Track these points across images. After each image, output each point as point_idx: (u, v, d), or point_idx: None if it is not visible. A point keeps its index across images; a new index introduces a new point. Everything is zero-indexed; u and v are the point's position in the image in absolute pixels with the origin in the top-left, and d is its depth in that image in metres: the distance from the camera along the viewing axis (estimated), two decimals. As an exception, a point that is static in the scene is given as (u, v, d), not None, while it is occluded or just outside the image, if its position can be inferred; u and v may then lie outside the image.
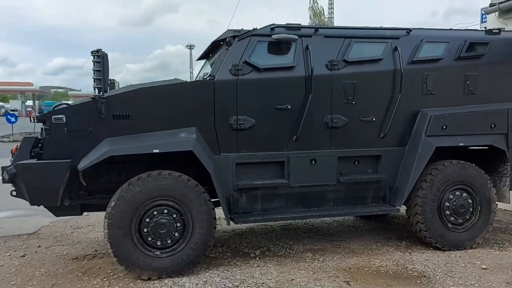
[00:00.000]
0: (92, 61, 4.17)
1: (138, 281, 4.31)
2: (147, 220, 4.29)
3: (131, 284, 4.25)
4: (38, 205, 4.53)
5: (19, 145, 4.59)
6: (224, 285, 4.20)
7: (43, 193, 4.28)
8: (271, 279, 4.35)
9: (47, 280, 4.46)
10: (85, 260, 5.07)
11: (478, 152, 5.67)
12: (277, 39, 4.71)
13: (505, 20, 7.62)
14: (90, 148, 4.38)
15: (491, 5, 7.81)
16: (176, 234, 4.37)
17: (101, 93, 4.20)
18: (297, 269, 4.63)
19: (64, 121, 4.30)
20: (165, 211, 4.34)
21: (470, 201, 5.30)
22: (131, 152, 4.31)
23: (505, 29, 5.78)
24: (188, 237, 4.39)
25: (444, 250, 5.18)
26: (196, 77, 6.28)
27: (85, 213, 7.33)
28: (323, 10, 36.51)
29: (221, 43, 4.96)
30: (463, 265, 4.75)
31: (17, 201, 4.69)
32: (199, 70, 6.56)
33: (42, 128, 4.55)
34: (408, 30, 5.35)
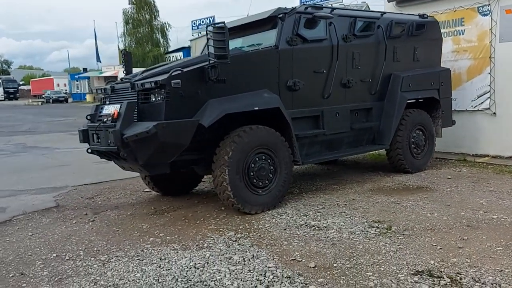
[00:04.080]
0: (212, 31, 4.75)
1: (249, 215, 5.20)
2: (252, 165, 5.20)
3: (247, 218, 5.13)
4: (151, 164, 4.95)
5: (120, 110, 4.85)
6: (313, 208, 5.44)
7: (169, 151, 4.80)
8: (338, 202, 5.73)
9: (166, 228, 4.94)
10: (167, 213, 5.55)
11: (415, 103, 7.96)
12: (320, 17, 5.95)
13: (400, 7, 10.15)
14: (197, 109, 4.98)
15: (393, -6, 10.31)
16: (271, 175, 5.39)
17: (226, 60, 4.82)
18: (345, 194, 6.11)
19: (181, 85, 4.79)
20: (263, 157, 5.30)
21: (423, 136, 7.55)
22: (240, 110, 5.11)
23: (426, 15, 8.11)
24: (278, 177, 5.45)
25: (412, 173, 7.32)
26: (202, 52, 6.99)
27: (74, 185, 7.38)
28: None
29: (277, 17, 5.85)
30: (436, 178, 6.95)
31: None
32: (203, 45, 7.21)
33: (147, 93, 4.91)
34: (382, 13, 7.17)
